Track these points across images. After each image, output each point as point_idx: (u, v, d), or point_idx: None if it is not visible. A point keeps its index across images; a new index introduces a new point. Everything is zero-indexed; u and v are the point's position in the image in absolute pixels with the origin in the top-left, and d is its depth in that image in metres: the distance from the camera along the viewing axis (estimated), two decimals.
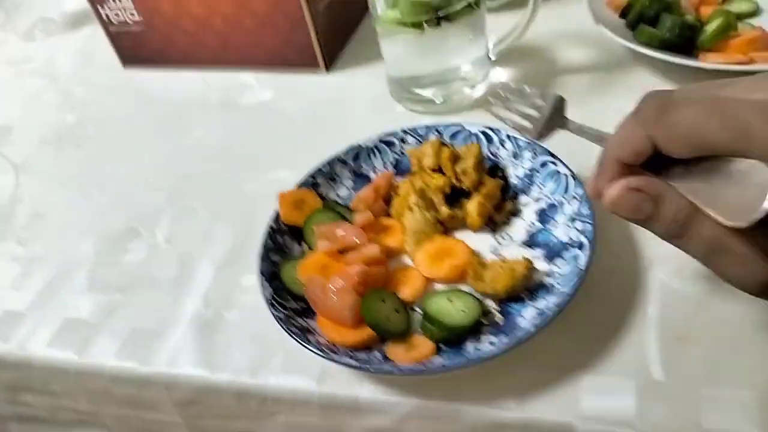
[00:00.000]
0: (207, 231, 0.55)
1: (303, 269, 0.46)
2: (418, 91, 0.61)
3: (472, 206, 0.48)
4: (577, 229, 0.44)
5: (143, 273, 0.53)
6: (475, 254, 0.46)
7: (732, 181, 0.29)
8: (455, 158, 0.50)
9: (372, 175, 0.54)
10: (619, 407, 0.38)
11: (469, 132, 0.52)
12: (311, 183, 0.52)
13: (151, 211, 0.59)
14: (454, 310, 0.42)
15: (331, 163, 0.53)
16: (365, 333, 0.42)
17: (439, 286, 0.46)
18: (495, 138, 0.51)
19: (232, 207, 0.57)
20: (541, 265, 0.45)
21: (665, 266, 0.44)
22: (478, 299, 0.43)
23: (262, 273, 0.45)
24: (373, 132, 0.54)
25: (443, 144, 0.51)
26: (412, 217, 0.48)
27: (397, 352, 0.41)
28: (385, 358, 0.41)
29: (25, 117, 0.77)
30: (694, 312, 0.41)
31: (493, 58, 0.62)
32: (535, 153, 0.49)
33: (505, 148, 0.51)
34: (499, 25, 0.61)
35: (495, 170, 0.51)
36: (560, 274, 0.43)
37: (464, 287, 0.44)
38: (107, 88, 0.78)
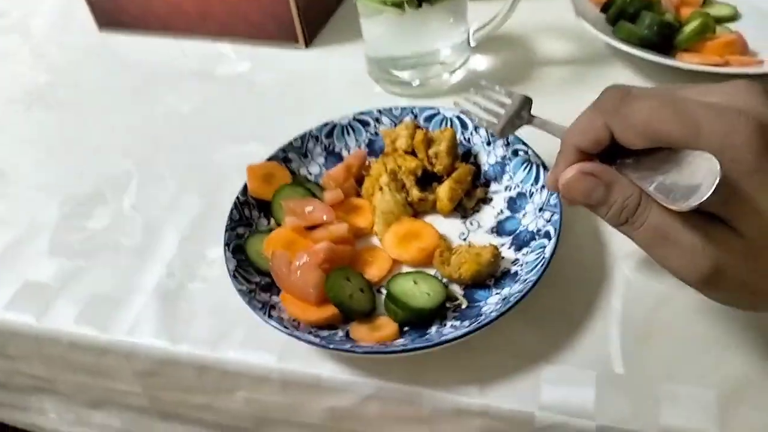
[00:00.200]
0: (174, 200, 0.55)
1: (269, 244, 0.46)
2: (395, 72, 0.61)
3: (443, 190, 0.48)
4: (545, 219, 0.44)
5: (107, 239, 0.52)
6: (442, 238, 0.46)
7: (680, 168, 0.30)
8: (429, 141, 0.50)
9: (345, 153, 0.53)
10: (579, 399, 0.38)
11: (445, 116, 0.52)
12: (282, 157, 0.51)
13: (119, 177, 0.58)
14: (418, 292, 0.42)
15: (303, 139, 0.52)
16: (329, 311, 0.42)
17: (405, 269, 0.46)
18: (469, 124, 0.51)
19: (201, 177, 0.56)
20: (508, 253, 0.45)
21: (630, 261, 0.44)
22: (443, 283, 0.43)
23: (227, 245, 0.45)
24: (349, 111, 0.54)
25: (418, 126, 0.51)
26: (382, 197, 0.48)
27: (360, 332, 0.41)
28: (348, 337, 0.41)
29: None
30: (656, 308, 0.42)
31: (473, 44, 0.62)
32: (507, 141, 0.50)
33: (479, 135, 0.51)
34: (480, 13, 0.61)
35: (467, 156, 0.51)
36: (526, 262, 0.43)
37: (430, 271, 0.45)
38: (82, 50, 0.76)
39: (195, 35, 0.74)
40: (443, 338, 0.38)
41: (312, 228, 0.47)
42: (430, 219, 0.49)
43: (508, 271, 0.43)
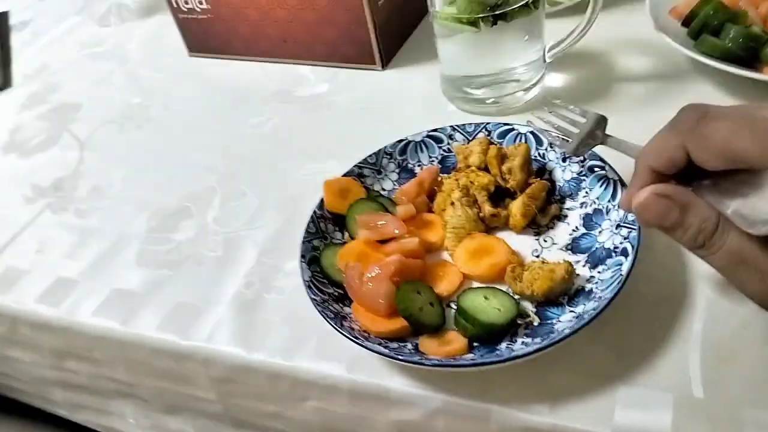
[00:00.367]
0: (254, 215, 0.57)
1: (342, 256, 0.47)
2: (470, 91, 0.61)
3: (517, 206, 0.47)
4: (622, 236, 0.43)
5: (191, 251, 0.55)
6: (514, 254, 0.46)
7: (759, 191, 0.29)
8: (502, 157, 0.50)
9: (417, 170, 0.54)
10: (655, 422, 0.37)
11: (519, 132, 0.52)
12: (357, 173, 0.53)
13: (204, 193, 0.61)
14: (489, 307, 0.42)
15: (377, 155, 0.53)
16: (398, 323, 0.42)
17: (475, 285, 0.45)
18: (544, 140, 0.51)
19: (281, 194, 0.58)
20: (582, 270, 0.44)
21: (712, 280, 0.43)
22: (514, 299, 0.43)
23: (303, 256, 0.46)
24: (423, 129, 0.55)
25: (491, 143, 0.51)
26: (453, 212, 0.48)
27: (429, 345, 0.41)
28: (417, 350, 0.41)
29: (93, 97, 0.80)
30: (739, 330, 0.40)
31: (548, 61, 0.61)
32: (583, 157, 0.49)
33: (554, 151, 0.51)
34: (557, 30, 0.61)
35: (542, 172, 0.51)
36: (601, 280, 0.42)
37: (501, 287, 0.44)
38: (172, 73, 0.81)
39: (277, 58, 0.77)
40: (514, 354, 0.38)
41: (384, 242, 0.47)
42: (502, 235, 0.48)
43: (583, 288, 0.42)
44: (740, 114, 0.31)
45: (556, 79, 0.64)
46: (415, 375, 0.42)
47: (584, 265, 0.44)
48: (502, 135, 0.53)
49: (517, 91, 0.60)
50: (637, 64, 0.64)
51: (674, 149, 0.33)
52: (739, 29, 0.56)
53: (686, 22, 0.61)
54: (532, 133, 0.51)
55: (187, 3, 0.77)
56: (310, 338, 0.45)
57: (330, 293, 0.45)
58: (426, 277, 0.46)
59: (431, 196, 0.52)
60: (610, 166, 0.47)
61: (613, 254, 0.43)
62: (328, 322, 0.41)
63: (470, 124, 0.54)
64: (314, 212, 0.50)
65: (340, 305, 0.44)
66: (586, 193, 0.48)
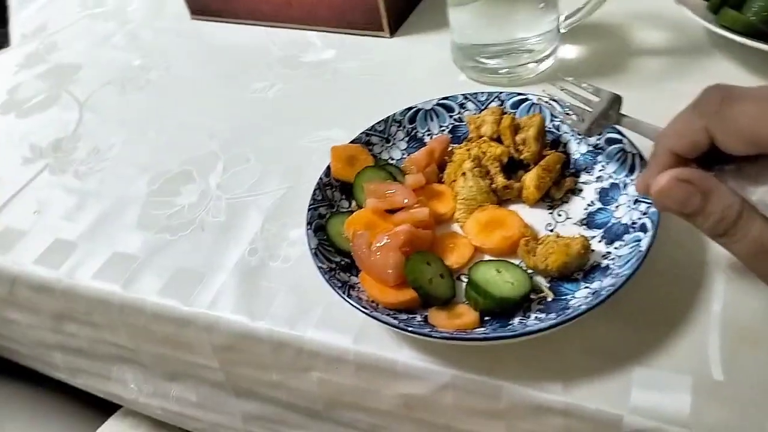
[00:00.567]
0: (258, 182, 0.55)
1: (349, 224, 0.45)
2: (483, 60, 0.59)
3: (530, 178, 0.46)
4: (641, 211, 0.42)
5: (193, 216, 0.54)
6: (528, 228, 0.45)
7: None
8: (516, 128, 0.48)
9: (427, 139, 0.52)
10: (673, 405, 0.36)
11: (533, 102, 0.51)
12: (365, 141, 0.51)
13: (206, 157, 0.59)
14: (501, 281, 0.41)
15: (386, 123, 0.52)
16: (407, 294, 0.41)
17: (487, 258, 0.44)
18: (560, 111, 0.49)
19: (285, 161, 0.57)
20: (598, 246, 0.43)
21: (733, 260, 0.41)
22: (527, 274, 0.41)
23: (309, 224, 0.45)
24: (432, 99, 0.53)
25: (504, 112, 0.49)
26: (465, 183, 0.46)
27: (439, 318, 0.40)
28: (427, 323, 0.40)
29: (92, 58, 0.78)
30: (761, 312, 0.39)
31: (562, 32, 0.60)
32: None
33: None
34: (572, 0, 0.59)
35: (556, 145, 0.49)
36: (618, 256, 0.41)
37: (514, 261, 0.43)
38: (174, 35, 0.79)
39: (281, 23, 0.75)
40: (528, 329, 0.37)
41: (392, 211, 0.46)
42: (514, 208, 0.47)
43: (599, 264, 0.41)
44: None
45: (570, 51, 0.62)
46: (424, 348, 0.41)
47: (600, 241, 0.43)
48: (516, 105, 0.51)
49: (529, 62, 0.59)
50: (654, 37, 0.62)
51: (697, 132, 0.32)
52: (763, 2, 0.54)
53: None
54: (547, 103, 0.50)
55: None
56: (316, 307, 0.44)
57: (337, 262, 0.44)
58: (435, 249, 0.44)
59: (441, 166, 0.50)
60: (629, 140, 0.46)
61: (631, 230, 0.42)
62: (335, 290, 0.40)
63: (482, 93, 0.52)
64: (320, 179, 0.48)
65: (347, 275, 0.43)
66: (603, 166, 0.47)
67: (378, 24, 0.69)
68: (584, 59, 0.61)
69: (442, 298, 0.41)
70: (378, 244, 0.42)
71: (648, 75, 0.58)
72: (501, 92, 0.52)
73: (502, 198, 0.47)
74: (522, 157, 0.48)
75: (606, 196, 0.45)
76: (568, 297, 0.40)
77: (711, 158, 0.32)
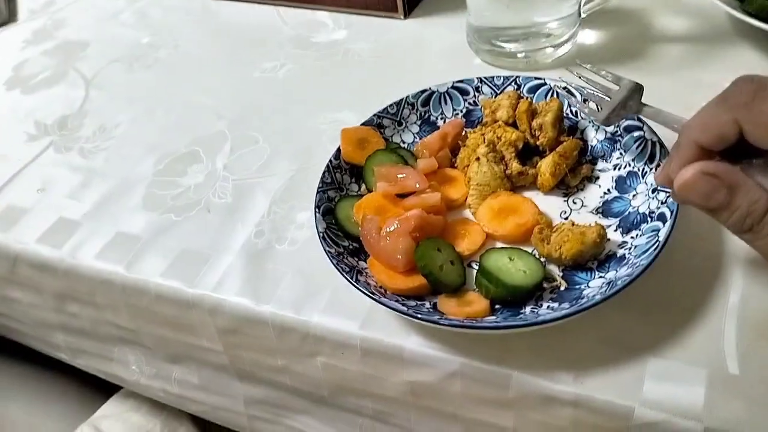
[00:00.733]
0: (266, 163, 0.54)
1: (359, 208, 0.44)
2: (500, 43, 0.58)
3: (546, 165, 0.45)
4: (659, 201, 0.40)
5: (199, 197, 0.52)
6: (542, 215, 0.43)
7: None
8: (533, 113, 0.47)
9: (440, 123, 0.51)
10: (686, 397, 0.35)
11: (551, 87, 0.49)
12: (376, 123, 0.50)
13: (214, 137, 0.58)
14: (514, 269, 0.39)
15: (399, 105, 0.51)
16: (417, 281, 0.40)
17: (499, 245, 0.43)
18: (578, 97, 0.48)
19: (294, 142, 0.56)
20: (614, 235, 0.41)
21: (751, 252, 0.40)
22: (541, 262, 0.40)
23: (318, 207, 0.44)
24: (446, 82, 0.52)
25: (521, 97, 0.48)
26: (478, 168, 0.45)
27: (448, 305, 0.39)
28: (436, 310, 0.39)
29: (100, 35, 0.77)
30: None
31: (582, 16, 0.58)
32: None
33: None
34: None
35: (573, 131, 0.48)
36: (635, 245, 0.39)
37: (527, 249, 0.42)
38: (183, 14, 0.78)
39: (292, 2, 0.73)
40: (540, 318, 0.36)
41: (403, 196, 0.45)
42: (528, 195, 0.46)
43: (614, 254, 0.40)
44: None
45: (589, 36, 0.60)
46: (432, 335, 0.40)
47: (616, 230, 0.42)
48: (533, 90, 0.50)
49: (547, 46, 0.57)
50: (677, 24, 0.60)
51: (725, 125, 0.31)
52: None
53: None
54: (565, 89, 0.48)
55: None
56: (323, 292, 0.43)
57: (345, 246, 0.43)
58: (446, 235, 0.43)
59: (454, 151, 0.49)
60: (649, 127, 0.44)
61: (649, 219, 0.40)
62: (343, 275, 0.39)
63: (499, 76, 0.51)
64: (330, 162, 0.47)
65: (356, 259, 0.42)
66: (621, 154, 0.45)
67: (392, 5, 0.68)
68: (603, 45, 0.60)
69: (452, 285, 0.40)
70: (388, 229, 0.41)
71: (669, 63, 0.56)
72: (518, 76, 0.50)
73: (516, 184, 0.46)
74: (538, 143, 0.46)
75: (623, 184, 0.44)
76: (582, 286, 0.39)
77: (738, 152, 0.31)
